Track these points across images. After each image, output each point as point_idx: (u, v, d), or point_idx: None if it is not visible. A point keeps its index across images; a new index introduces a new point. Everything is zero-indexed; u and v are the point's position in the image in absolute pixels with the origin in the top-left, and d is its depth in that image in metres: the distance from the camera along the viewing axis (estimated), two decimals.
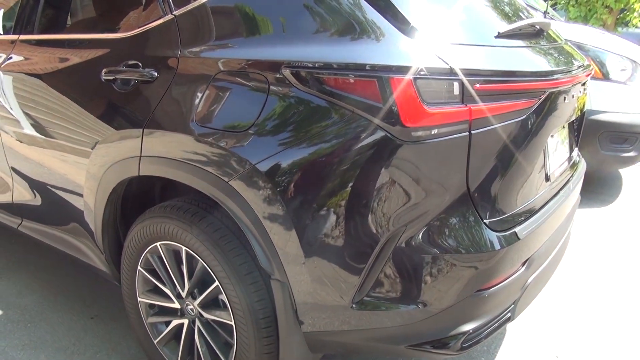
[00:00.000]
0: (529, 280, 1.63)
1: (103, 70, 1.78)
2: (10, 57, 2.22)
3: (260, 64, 1.44)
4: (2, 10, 2.59)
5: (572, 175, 1.99)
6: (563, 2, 9.63)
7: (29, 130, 2.14)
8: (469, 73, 1.33)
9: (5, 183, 2.45)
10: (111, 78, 1.77)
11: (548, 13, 3.61)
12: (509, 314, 1.60)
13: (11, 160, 2.33)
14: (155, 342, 1.92)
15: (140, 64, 1.70)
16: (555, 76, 1.61)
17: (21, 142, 2.22)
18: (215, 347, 1.75)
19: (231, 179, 1.47)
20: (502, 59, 1.49)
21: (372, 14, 1.39)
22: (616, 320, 2.45)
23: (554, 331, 2.35)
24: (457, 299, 1.42)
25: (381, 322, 1.46)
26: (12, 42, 2.24)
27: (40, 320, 2.39)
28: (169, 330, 1.88)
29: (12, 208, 2.49)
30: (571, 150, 2.04)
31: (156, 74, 1.65)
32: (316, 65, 1.35)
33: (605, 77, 3.85)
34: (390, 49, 1.34)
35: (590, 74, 1.93)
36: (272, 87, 1.41)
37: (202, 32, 1.59)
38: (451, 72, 1.31)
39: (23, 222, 2.46)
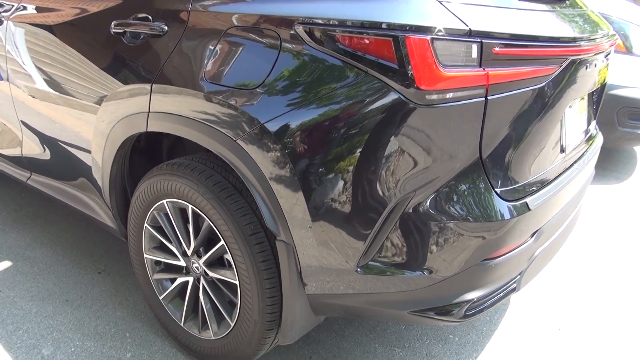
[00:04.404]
0: (537, 252, 1.61)
1: (112, 23, 1.75)
2: (20, 8, 2.18)
3: (273, 19, 1.40)
4: None
5: (587, 149, 1.95)
6: None
7: (38, 83, 2.11)
8: (489, 36, 1.28)
9: (16, 136, 2.45)
10: (120, 31, 1.73)
11: None
12: (515, 285, 1.58)
13: (21, 113, 2.32)
14: (160, 298, 1.94)
15: (150, 17, 1.65)
16: (578, 43, 1.55)
17: (30, 95, 2.20)
18: (219, 305, 1.76)
19: (239, 138, 1.45)
20: (524, 23, 1.43)
21: None
22: (620, 296, 2.44)
23: (558, 304, 2.34)
24: (463, 267, 1.40)
25: (385, 287, 1.46)
26: None
27: (49, 272, 2.43)
28: (174, 287, 1.89)
29: (22, 161, 2.50)
30: (589, 123, 1.98)
31: (166, 27, 1.61)
32: (330, 22, 1.31)
33: (628, 50, 3.74)
34: (407, 7, 1.29)
35: (614, 43, 1.86)
36: (284, 44, 1.37)
37: None
38: (470, 34, 1.26)
39: (32, 176, 2.47)
